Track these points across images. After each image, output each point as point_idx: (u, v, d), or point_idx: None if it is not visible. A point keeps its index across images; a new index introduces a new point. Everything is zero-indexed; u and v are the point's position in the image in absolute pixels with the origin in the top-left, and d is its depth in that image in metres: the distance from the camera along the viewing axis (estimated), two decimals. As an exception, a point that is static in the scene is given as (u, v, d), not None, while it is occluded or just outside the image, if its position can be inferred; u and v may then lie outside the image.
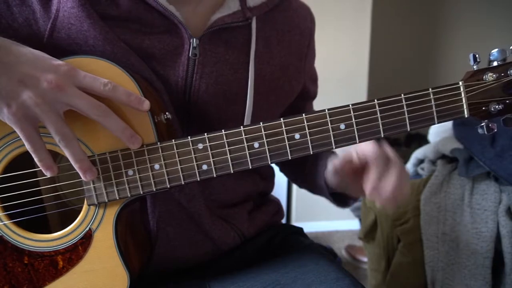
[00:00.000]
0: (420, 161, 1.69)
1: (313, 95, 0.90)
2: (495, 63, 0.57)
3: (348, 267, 2.17)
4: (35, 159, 0.55)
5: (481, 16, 3.43)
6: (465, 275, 1.29)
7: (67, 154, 0.55)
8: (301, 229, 0.88)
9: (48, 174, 0.55)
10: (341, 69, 2.37)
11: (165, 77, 0.67)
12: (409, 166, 1.75)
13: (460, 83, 0.57)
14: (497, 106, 0.57)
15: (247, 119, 0.71)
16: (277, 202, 0.91)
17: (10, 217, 0.62)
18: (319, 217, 2.54)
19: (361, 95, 2.46)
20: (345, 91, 2.36)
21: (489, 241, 1.26)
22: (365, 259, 2.07)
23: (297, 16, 0.79)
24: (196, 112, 0.69)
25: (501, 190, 1.31)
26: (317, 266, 0.69)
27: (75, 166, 0.56)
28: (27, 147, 0.54)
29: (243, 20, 0.70)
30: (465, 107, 0.57)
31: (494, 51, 0.56)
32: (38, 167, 0.60)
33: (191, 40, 0.66)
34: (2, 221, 0.61)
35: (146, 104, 0.56)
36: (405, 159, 1.83)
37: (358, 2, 2.37)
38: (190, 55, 0.66)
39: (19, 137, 0.56)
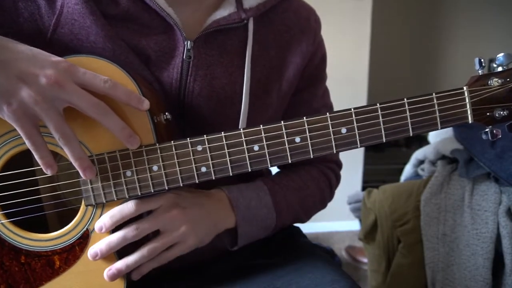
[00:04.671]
0: (420, 162, 1.69)
1: (310, 99, 0.84)
2: (499, 68, 0.56)
3: (348, 268, 2.17)
4: (36, 157, 0.54)
5: (482, 16, 3.42)
6: (465, 276, 1.28)
7: (66, 151, 0.54)
8: (298, 229, 0.87)
9: (48, 173, 0.55)
10: (342, 69, 2.36)
11: (159, 79, 0.67)
12: (409, 167, 1.75)
13: (465, 88, 0.57)
14: (501, 112, 0.56)
15: (242, 123, 0.70)
16: None
17: (7, 216, 0.61)
18: (319, 218, 2.55)
19: (362, 95, 2.46)
20: (345, 91, 2.35)
21: (489, 242, 1.25)
22: (365, 260, 2.06)
23: (297, 16, 0.78)
24: (191, 114, 0.68)
25: (501, 191, 1.29)
26: (314, 268, 0.68)
27: (75, 164, 0.55)
28: (28, 144, 0.53)
29: (238, 22, 0.70)
30: (469, 112, 0.57)
31: (500, 55, 0.55)
32: (36, 166, 0.60)
33: (185, 43, 0.66)
34: (-1, 220, 0.61)
35: (146, 104, 0.56)
36: (405, 159, 1.83)
37: (358, 4, 2.36)
38: (184, 57, 0.66)
39: (18, 135, 0.56)
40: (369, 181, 2.61)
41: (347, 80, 2.40)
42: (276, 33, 0.75)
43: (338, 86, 2.30)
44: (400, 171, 1.86)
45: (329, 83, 0.87)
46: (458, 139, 1.51)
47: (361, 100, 2.44)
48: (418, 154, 1.69)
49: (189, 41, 0.66)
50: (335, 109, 0.86)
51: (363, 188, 2.47)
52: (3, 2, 0.62)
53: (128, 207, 0.60)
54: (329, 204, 0.87)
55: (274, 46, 0.74)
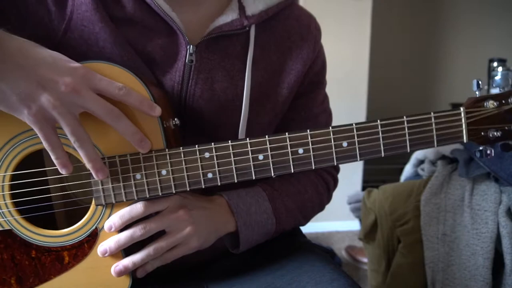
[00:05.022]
0: (420, 162, 1.68)
1: (310, 104, 0.85)
2: (496, 89, 0.58)
3: (348, 268, 2.17)
4: (52, 157, 0.56)
5: (483, 15, 3.38)
6: (465, 276, 1.28)
7: (81, 154, 0.57)
8: (298, 229, 0.88)
9: (63, 172, 0.57)
10: (342, 69, 2.35)
11: (162, 82, 0.68)
12: (409, 166, 1.75)
13: (462, 109, 0.59)
14: (495, 133, 0.58)
15: (242, 126, 0.72)
16: None
17: (20, 212, 0.63)
18: (319, 218, 2.55)
19: (361, 95, 2.45)
20: (345, 91, 2.36)
21: (489, 242, 1.25)
22: (365, 260, 2.05)
23: (298, 24, 0.79)
24: (192, 117, 0.70)
25: (501, 191, 1.29)
26: (313, 267, 0.70)
27: (88, 165, 0.58)
28: (45, 145, 0.56)
29: (240, 28, 0.71)
30: (464, 132, 0.59)
31: (497, 77, 0.57)
32: (48, 166, 0.63)
33: (188, 47, 0.68)
34: (12, 216, 0.63)
35: (158, 110, 0.58)
36: (405, 159, 1.82)
37: (358, 4, 2.35)
38: (186, 61, 0.68)
39: (32, 135, 0.59)
40: (369, 181, 2.61)
41: (347, 80, 2.39)
42: (278, 39, 0.76)
43: (338, 86, 2.31)
44: (400, 171, 1.86)
45: (329, 83, 0.88)
46: (458, 139, 1.50)
47: (361, 100, 2.44)
48: (418, 154, 1.69)
49: (191, 46, 0.68)
50: (335, 110, 0.88)
51: (363, 188, 2.46)
52: (15, 5, 0.63)
53: (137, 208, 0.62)
54: (329, 204, 0.88)
55: (275, 52, 0.76)
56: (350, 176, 2.51)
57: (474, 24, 3.38)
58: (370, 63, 2.45)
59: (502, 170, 1.28)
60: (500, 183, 1.31)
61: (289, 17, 0.78)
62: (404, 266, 1.44)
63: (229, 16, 0.71)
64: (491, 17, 3.38)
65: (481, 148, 0.60)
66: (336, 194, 0.89)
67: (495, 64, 2.11)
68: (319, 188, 0.83)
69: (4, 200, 0.63)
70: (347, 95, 2.36)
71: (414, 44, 3.38)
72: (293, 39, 0.78)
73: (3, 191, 0.62)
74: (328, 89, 0.89)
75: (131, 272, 0.63)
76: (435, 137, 0.59)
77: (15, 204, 0.63)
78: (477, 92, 0.59)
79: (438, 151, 1.54)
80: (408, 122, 0.58)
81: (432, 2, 3.37)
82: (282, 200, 0.76)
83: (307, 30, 0.80)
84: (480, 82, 0.58)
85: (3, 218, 0.63)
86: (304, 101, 0.83)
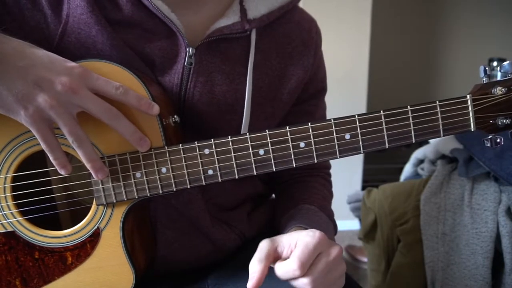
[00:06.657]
0: (420, 161, 1.66)
1: (312, 110, 0.84)
2: (499, 75, 0.55)
3: (348, 267, 2.13)
4: (51, 158, 0.54)
5: (483, 14, 3.36)
6: (465, 275, 1.27)
7: (80, 154, 0.55)
8: None
9: (62, 173, 0.56)
10: (342, 68, 2.34)
11: (161, 83, 0.66)
12: (409, 166, 1.73)
13: (468, 96, 0.55)
14: (504, 120, 0.55)
15: (244, 130, 0.70)
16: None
17: (22, 213, 0.62)
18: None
19: (361, 95, 2.43)
20: (345, 90, 2.34)
21: (489, 241, 1.23)
22: (365, 259, 2.04)
23: (298, 28, 0.76)
24: (191, 119, 0.68)
25: (501, 190, 1.28)
26: None
27: (88, 165, 0.56)
28: (43, 147, 0.54)
29: (241, 32, 0.68)
30: (471, 121, 0.56)
31: (506, 63, 0.54)
32: (50, 167, 0.61)
33: (187, 49, 0.65)
34: (15, 217, 0.61)
35: (156, 109, 0.56)
36: (405, 159, 1.81)
37: (358, 3, 2.33)
38: (185, 63, 0.66)
39: (32, 136, 0.57)
40: (369, 181, 2.58)
41: (347, 79, 2.38)
42: (279, 44, 0.74)
43: (338, 86, 2.30)
44: (400, 170, 1.84)
45: (329, 83, 0.87)
46: (458, 138, 1.49)
47: (361, 99, 2.42)
48: (418, 154, 1.67)
49: (191, 48, 0.65)
50: (335, 109, 0.86)
51: (363, 188, 2.43)
52: (10, 11, 0.62)
53: (293, 269, 0.56)
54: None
55: (275, 57, 0.73)
56: (350, 176, 2.48)
57: (474, 24, 3.34)
58: (370, 63, 2.43)
59: (502, 169, 1.26)
60: (499, 182, 1.29)
61: (290, 22, 0.76)
62: (404, 265, 1.42)
63: (230, 19, 0.68)
64: (491, 17, 3.34)
65: (490, 136, 0.56)
66: (336, 193, 0.88)
67: (495, 63, 2.09)
68: (330, 189, 0.86)
69: (6, 202, 0.61)
70: (347, 95, 2.34)
71: (414, 43, 3.36)
72: (294, 44, 0.75)
73: (5, 193, 0.61)
74: (328, 89, 0.87)
75: (134, 272, 0.61)
76: (441, 126, 0.55)
77: (18, 206, 0.61)
78: (484, 79, 0.55)
79: (437, 151, 1.52)
80: (412, 111, 0.55)
81: (432, 2, 3.36)
82: (330, 207, 0.79)
83: (308, 35, 0.78)
84: (487, 69, 0.55)
85: (5, 220, 0.61)
86: (305, 107, 0.81)
